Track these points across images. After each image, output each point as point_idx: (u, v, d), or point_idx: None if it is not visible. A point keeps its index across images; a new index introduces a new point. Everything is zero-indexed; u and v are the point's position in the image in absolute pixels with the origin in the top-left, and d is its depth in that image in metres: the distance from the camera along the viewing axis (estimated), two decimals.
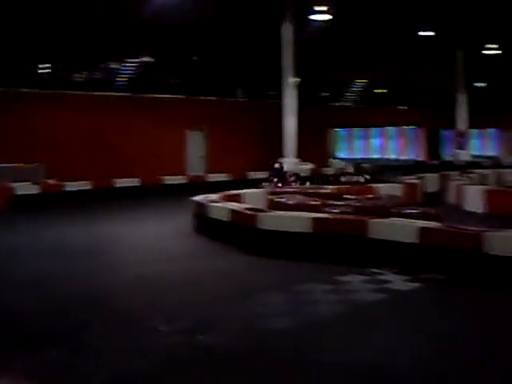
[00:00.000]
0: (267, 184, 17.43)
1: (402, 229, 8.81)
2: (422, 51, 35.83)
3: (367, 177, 19.34)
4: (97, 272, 9.18)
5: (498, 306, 7.14)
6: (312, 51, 29.24)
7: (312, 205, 11.30)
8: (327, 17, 23.65)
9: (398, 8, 26.78)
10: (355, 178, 18.27)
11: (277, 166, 19.26)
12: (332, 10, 23.52)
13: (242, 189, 15.11)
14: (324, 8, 23.03)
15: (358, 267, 8.81)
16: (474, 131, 44.20)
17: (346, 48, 32.33)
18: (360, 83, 40.05)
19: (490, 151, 45.23)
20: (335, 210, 10.65)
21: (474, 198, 15.59)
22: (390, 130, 41.83)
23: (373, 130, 41.35)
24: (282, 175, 18.62)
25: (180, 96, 26.59)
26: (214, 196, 13.04)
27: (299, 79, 25.88)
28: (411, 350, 5.74)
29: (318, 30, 25.72)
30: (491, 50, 36.24)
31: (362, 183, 17.46)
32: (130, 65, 26.10)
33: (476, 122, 40.51)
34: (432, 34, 30.77)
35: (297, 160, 25.15)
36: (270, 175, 18.75)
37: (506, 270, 7.65)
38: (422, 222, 9.01)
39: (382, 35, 30.91)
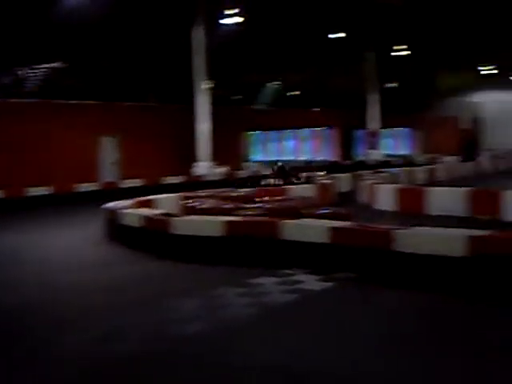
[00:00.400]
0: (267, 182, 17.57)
1: (313, 229, 8.86)
2: (333, 53, 36.33)
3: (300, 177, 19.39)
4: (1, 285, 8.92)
5: (409, 302, 7.25)
6: (224, 55, 29.24)
7: (225, 208, 11.28)
8: (238, 19, 23.72)
9: (309, 10, 27.06)
10: (273, 181, 18.32)
11: (279, 164, 19.39)
12: (243, 12, 23.61)
13: (156, 194, 14.97)
14: (235, 10, 23.09)
15: (271, 269, 8.80)
16: (387, 131, 45.21)
17: (258, 51, 32.47)
18: (273, 85, 40.30)
19: (403, 150, 46.28)
20: (247, 213, 10.66)
21: (385, 197, 15.89)
22: (304, 131, 42.22)
23: (287, 132, 41.65)
24: (286, 174, 18.67)
25: (92, 102, 26.18)
26: (126, 202, 12.86)
27: (211, 83, 25.86)
28: (321, 350, 5.76)
29: (230, 33, 25.76)
30: (400, 51, 37.10)
31: (279, 185, 17.50)
32: (40, 70, 25.56)
33: (389, 122, 41.44)
34: (342, 35, 31.22)
35: (211, 164, 25.14)
36: (270, 175, 18.84)
37: (416, 266, 7.77)
38: (332, 221, 9.09)
39: (293, 38, 31.17)
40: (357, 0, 26.00)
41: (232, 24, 24.19)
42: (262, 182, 18.48)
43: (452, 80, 42.48)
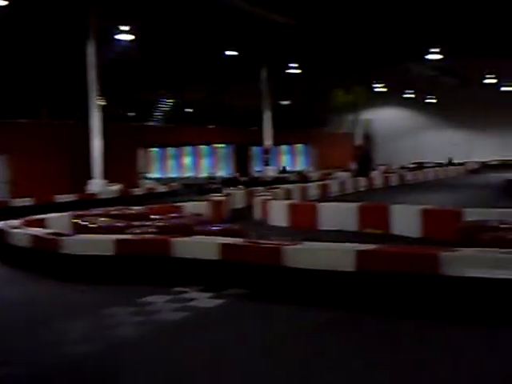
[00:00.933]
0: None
1: (204, 246, 8.90)
2: (229, 70, 36.60)
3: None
4: None
5: (298, 318, 7.35)
6: (119, 71, 29.02)
7: (117, 226, 11.17)
8: (131, 37, 23.61)
9: (203, 28, 27.21)
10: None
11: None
12: (136, 29, 23.52)
13: (48, 213, 14.65)
14: (127, 28, 22.97)
15: (163, 287, 8.77)
16: (285, 147, 45.86)
17: (153, 68, 32.37)
18: (169, 102, 40.24)
19: (301, 166, 47.03)
20: (139, 231, 10.59)
21: (278, 213, 16.10)
22: (203, 148, 42.35)
23: (186, 149, 41.68)
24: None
25: None
26: (15, 222, 12.55)
27: (104, 99, 25.61)
28: (210, 367, 5.81)
29: (125, 49, 25.60)
30: (294, 69, 37.74)
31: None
32: None
33: (286, 138, 42.03)
34: (236, 53, 31.50)
35: (105, 181, 24.83)
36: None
37: (306, 282, 7.90)
38: (223, 238, 9.15)
39: (188, 55, 31.25)
40: (250, 18, 26.32)
41: (126, 40, 24.05)
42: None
43: (345, 97, 43.54)
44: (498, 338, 6.27)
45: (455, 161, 46.62)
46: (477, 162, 46.88)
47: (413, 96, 50.34)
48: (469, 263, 6.90)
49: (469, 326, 6.58)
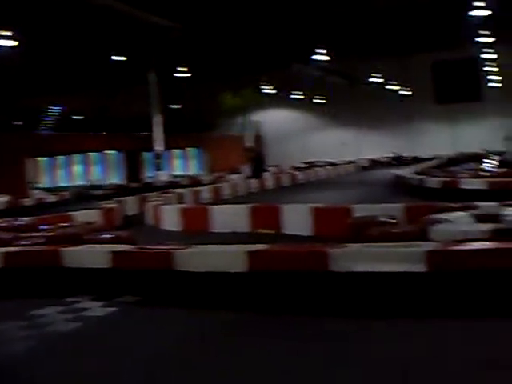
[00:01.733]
0: None
1: (95, 255, 8.76)
2: (117, 75, 36.14)
3: None
4: None
5: (192, 321, 7.36)
6: (2, 78, 28.20)
7: (3, 238, 10.81)
8: (14, 43, 22.92)
9: (88, 33, 26.77)
10: None
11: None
12: (19, 35, 22.87)
13: None
14: (9, 33, 22.30)
15: (55, 299, 8.56)
16: (177, 151, 45.64)
17: (39, 75, 31.60)
18: (57, 110, 39.40)
19: (193, 170, 46.93)
20: (27, 242, 10.29)
21: (170, 218, 16.03)
22: (93, 155, 41.64)
23: (76, 157, 40.87)
24: None
25: None
26: None
27: None
28: (105, 372, 5.73)
29: (7, 55, 24.85)
30: (183, 73, 37.61)
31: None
32: None
33: (178, 143, 41.84)
34: (124, 58, 31.15)
35: None
36: None
37: (199, 284, 7.91)
38: (113, 246, 9.03)
39: (74, 60, 30.67)
40: (135, 23, 26.09)
41: (8, 46, 23.32)
42: None
43: (234, 99, 43.80)
44: (383, 329, 6.47)
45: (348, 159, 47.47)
46: (366, 160, 48.10)
47: (301, 97, 51.12)
48: (356, 258, 7.08)
49: (360, 319, 6.75)
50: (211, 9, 27.14)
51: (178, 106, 48.43)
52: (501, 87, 47.38)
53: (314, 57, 34.67)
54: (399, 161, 44.37)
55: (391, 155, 47.95)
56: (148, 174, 41.11)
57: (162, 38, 30.31)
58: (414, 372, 5.36)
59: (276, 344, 6.32)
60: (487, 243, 7.18)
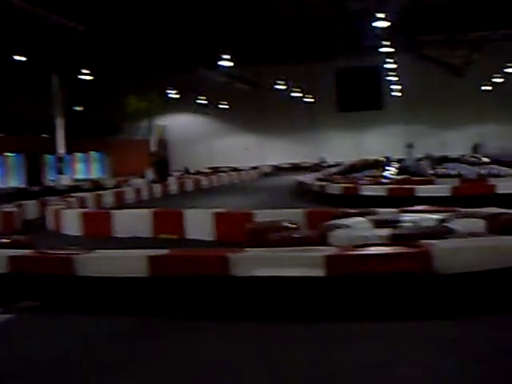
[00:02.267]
0: None
1: None
2: (18, 76, 35.29)
3: None
4: None
5: (92, 327, 7.27)
6: None
7: None
8: None
9: None
10: None
11: None
12: None
13: None
14: None
15: None
16: (80, 155, 44.88)
17: None
18: None
19: (96, 174, 46.24)
20: None
21: (71, 222, 15.76)
22: None
23: None
24: None
25: None
26: None
27: None
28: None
29: None
30: (87, 76, 37.07)
31: None
32: None
33: (81, 146, 41.13)
34: (25, 58, 30.48)
35: None
36: None
37: (100, 289, 7.81)
38: (11, 250, 8.80)
39: None
40: (36, 22, 25.53)
41: None
42: None
43: (139, 103, 43.45)
44: (279, 331, 6.58)
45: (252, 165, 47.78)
46: (270, 166, 48.60)
47: (206, 102, 51.21)
48: (256, 263, 7.16)
49: (259, 322, 6.84)
50: (115, 10, 26.89)
51: (82, 109, 47.68)
52: (401, 96, 48.90)
53: (219, 62, 34.86)
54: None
55: (293, 161, 48.72)
56: (50, 178, 40.22)
57: (65, 39, 29.77)
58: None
59: (175, 348, 6.34)
60: (384, 248, 7.39)
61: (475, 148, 46.93)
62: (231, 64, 35.36)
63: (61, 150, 36.74)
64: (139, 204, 22.99)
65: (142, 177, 36.86)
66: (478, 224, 8.79)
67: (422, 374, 5.30)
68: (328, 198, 19.23)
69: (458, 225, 8.62)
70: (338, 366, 5.58)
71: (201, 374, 5.61)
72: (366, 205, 11.78)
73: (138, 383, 5.53)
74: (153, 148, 42.89)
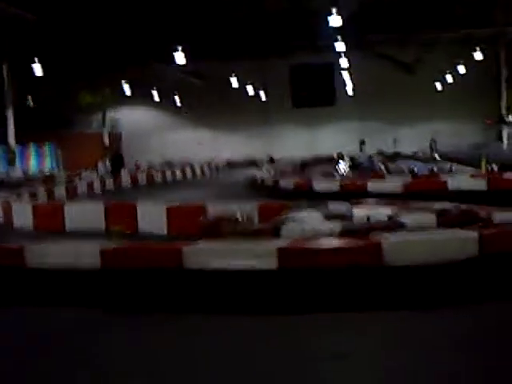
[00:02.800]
0: None
1: None
2: None
3: None
4: None
5: (43, 318, 7.22)
6: None
7: None
8: None
9: None
10: None
11: None
12: None
13: None
14: None
15: None
16: (33, 147, 44.26)
17: None
18: None
19: (49, 167, 45.68)
20: None
21: (22, 216, 15.49)
22: None
23: None
24: None
25: None
26: None
27: None
28: None
29: None
30: (39, 67, 36.47)
31: None
32: None
33: (34, 138, 40.54)
34: None
35: None
36: None
37: (48, 281, 7.75)
38: None
39: None
40: None
41: None
42: None
43: (93, 97, 43.03)
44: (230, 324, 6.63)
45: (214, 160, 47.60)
46: (223, 160, 48.55)
47: (160, 96, 50.86)
48: (209, 255, 7.19)
49: (213, 315, 6.86)
50: (68, 2, 26.59)
51: (34, 101, 47.01)
52: (354, 93, 49.34)
53: (174, 57, 34.70)
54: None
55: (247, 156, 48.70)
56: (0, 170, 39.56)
57: (16, 30, 29.33)
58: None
59: (123, 340, 6.34)
60: (335, 241, 7.48)
61: (431, 145, 47.61)
62: (184, 58, 35.26)
63: (11, 141, 36.15)
64: (92, 197, 22.78)
65: (95, 170, 36.52)
66: (429, 218, 8.93)
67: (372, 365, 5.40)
68: (281, 192, 19.31)
69: (408, 219, 8.76)
70: (279, 359, 5.66)
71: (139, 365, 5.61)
72: (318, 200, 11.83)
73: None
74: (107, 142, 42.57)
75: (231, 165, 47.37)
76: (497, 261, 7.28)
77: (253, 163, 43.87)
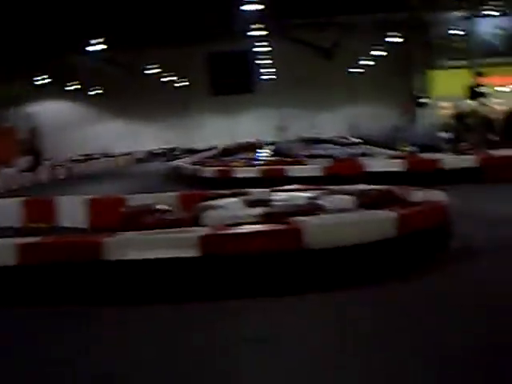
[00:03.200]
0: None
1: None
2: None
3: None
4: None
5: None
6: None
7: None
8: None
9: None
10: None
11: None
12: None
13: None
14: None
15: None
16: None
17: None
18: None
19: None
20: None
21: None
22: None
23: None
24: None
25: None
26: None
27: None
28: None
29: None
30: None
31: None
32: None
33: None
34: None
35: None
36: None
37: None
38: None
39: None
40: None
41: None
42: None
43: (6, 90, 41.99)
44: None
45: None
46: (143, 152, 48.21)
47: (78, 88, 50.00)
48: (129, 246, 7.11)
49: (139, 306, 6.84)
50: None
51: None
52: (273, 79, 49.58)
53: (90, 47, 34.22)
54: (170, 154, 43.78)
55: (166, 146, 48.44)
56: None
57: None
58: None
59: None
60: (256, 226, 7.50)
61: (351, 129, 48.31)
62: (102, 48, 34.81)
63: None
64: (9, 193, 22.22)
65: (12, 166, 35.63)
66: (347, 200, 9.05)
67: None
68: (202, 181, 19.31)
69: (327, 202, 8.85)
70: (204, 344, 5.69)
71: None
72: (239, 187, 11.85)
73: None
74: (23, 136, 41.63)
75: (152, 155, 47.10)
76: (413, 239, 7.47)
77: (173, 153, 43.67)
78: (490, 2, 36.66)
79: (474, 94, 28.26)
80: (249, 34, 36.01)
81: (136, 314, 6.64)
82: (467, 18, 35.01)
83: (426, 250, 7.87)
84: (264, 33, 35.31)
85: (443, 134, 28.84)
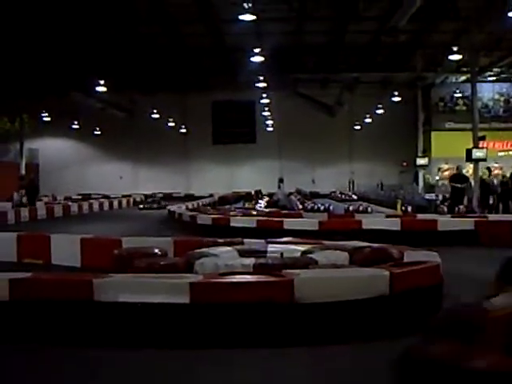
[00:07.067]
0: None
1: None
2: None
3: None
4: None
5: None
6: None
7: None
8: None
9: None
10: None
11: None
12: None
13: None
14: None
15: None
16: None
17: None
18: None
19: None
20: None
21: None
22: None
23: None
24: None
25: None
26: None
27: None
28: None
29: None
30: None
31: None
32: None
33: None
34: None
35: None
36: None
37: None
38: None
39: None
40: None
41: None
42: None
43: (10, 125, 42.25)
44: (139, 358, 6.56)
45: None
46: (143, 194, 48.30)
47: (80, 127, 50.36)
48: (121, 289, 7.11)
49: (123, 349, 6.78)
50: None
51: None
52: (275, 131, 50.04)
53: (96, 87, 34.58)
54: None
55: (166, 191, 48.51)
56: None
57: None
58: None
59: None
60: (248, 276, 7.50)
61: (349, 185, 48.61)
62: (106, 90, 35.16)
63: None
64: (5, 228, 22.21)
65: (10, 201, 35.64)
66: (342, 256, 9.08)
67: None
68: (199, 228, 19.30)
69: (321, 256, 8.88)
70: None
71: None
72: (235, 236, 11.89)
73: None
74: (23, 172, 41.73)
75: (150, 199, 47.11)
76: (406, 298, 7.48)
77: (171, 198, 43.77)
78: (493, 68, 37.32)
79: (473, 156, 28.54)
80: (253, 84, 36.46)
81: (120, 359, 6.58)
82: (468, 82, 35.57)
83: (418, 309, 7.86)
84: (267, 85, 35.78)
85: (440, 196, 29.01)
